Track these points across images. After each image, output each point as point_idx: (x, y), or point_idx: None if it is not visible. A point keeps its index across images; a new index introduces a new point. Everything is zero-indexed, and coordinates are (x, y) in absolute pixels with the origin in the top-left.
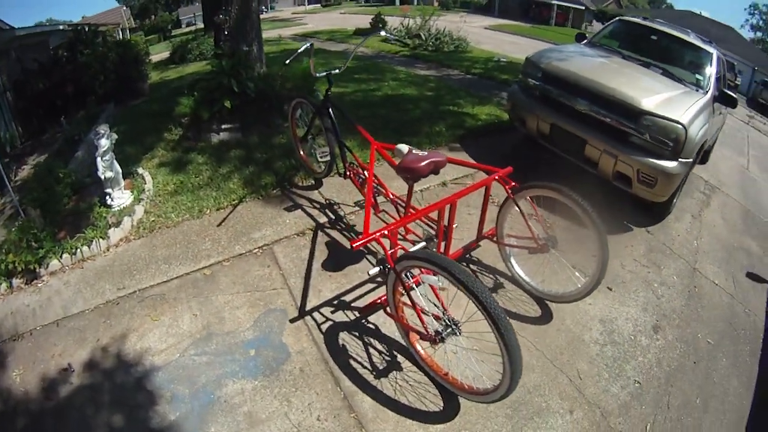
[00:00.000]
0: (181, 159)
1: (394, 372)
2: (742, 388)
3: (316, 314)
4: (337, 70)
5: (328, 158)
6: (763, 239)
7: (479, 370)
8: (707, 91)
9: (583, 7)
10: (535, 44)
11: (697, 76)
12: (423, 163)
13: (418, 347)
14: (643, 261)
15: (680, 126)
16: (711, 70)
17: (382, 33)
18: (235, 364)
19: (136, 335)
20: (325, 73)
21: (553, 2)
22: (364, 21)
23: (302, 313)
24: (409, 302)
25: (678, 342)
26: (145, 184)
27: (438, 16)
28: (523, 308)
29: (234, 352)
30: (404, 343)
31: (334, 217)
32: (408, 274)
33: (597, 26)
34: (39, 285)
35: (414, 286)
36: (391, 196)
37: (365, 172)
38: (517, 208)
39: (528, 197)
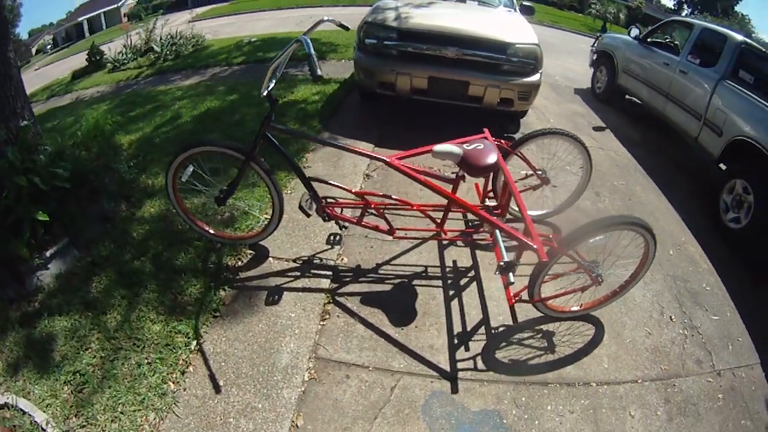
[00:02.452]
0: (34, 339)
1: (555, 339)
2: (655, 192)
3: (460, 365)
4: (272, 83)
5: (314, 206)
6: (578, 100)
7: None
8: (515, 8)
9: None
10: (249, 18)
11: None
12: (496, 155)
13: (557, 306)
14: (542, 155)
15: (536, 46)
16: None
17: (325, 18)
18: None
19: None
20: (265, 92)
21: None
22: (75, 63)
23: (448, 376)
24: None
25: (611, 194)
26: (31, 414)
27: (164, 20)
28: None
29: None
30: (539, 314)
31: (330, 272)
32: None
33: None
34: None
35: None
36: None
37: (362, 201)
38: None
39: (520, 150)
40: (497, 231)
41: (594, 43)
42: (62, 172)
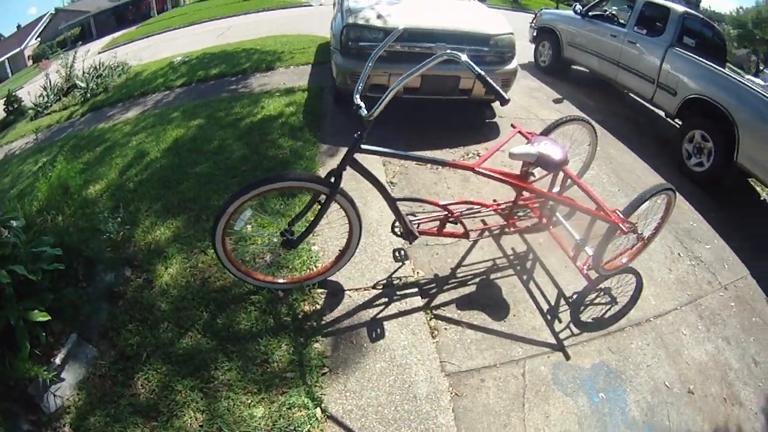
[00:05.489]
0: None
1: (613, 292)
2: (627, 153)
3: (561, 335)
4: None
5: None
6: (528, 75)
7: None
8: None
9: None
10: (164, 38)
11: None
12: (562, 149)
13: (611, 265)
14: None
15: (512, 35)
16: None
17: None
18: None
19: None
20: (359, 104)
21: None
22: None
23: (558, 348)
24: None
25: (596, 160)
26: None
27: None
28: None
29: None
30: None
31: (416, 288)
32: None
33: None
34: None
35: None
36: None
37: (446, 210)
38: None
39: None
40: (558, 213)
41: (533, 21)
42: (49, 251)
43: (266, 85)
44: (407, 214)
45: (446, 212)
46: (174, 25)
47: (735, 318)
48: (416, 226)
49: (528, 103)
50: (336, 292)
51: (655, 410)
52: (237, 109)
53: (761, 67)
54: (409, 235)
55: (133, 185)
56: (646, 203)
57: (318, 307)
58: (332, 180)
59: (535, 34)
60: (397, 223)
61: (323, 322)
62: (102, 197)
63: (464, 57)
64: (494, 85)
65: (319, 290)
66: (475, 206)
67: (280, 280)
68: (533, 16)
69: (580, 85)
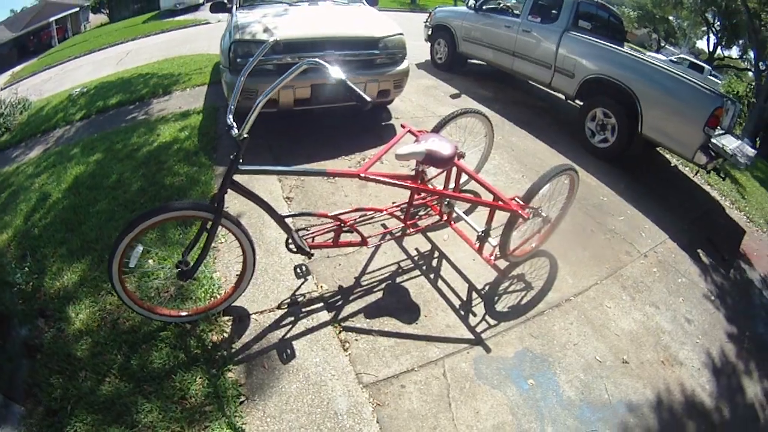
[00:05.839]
0: None
1: (527, 278)
2: (529, 138)
3: (478, 329)
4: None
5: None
6: (424, 74)
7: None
8: (363, 1)
9: (78, 8)
10: (65, 68)
11: None
12: (451, 144)
13: (520, 251)
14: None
15: (401, 35)
16: None
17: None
18: None
19: None
20: (245, 134)
21: (51, 19)
22: None
23: (476, 342)
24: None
25: (497, 150)
26: None
27: None
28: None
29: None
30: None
31: (321, 303)
32: None
33: (96, 21)
34: None
35: None
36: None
37: (337, 221)
38: None
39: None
40: (456, 208)
41: (427, 20)
42: None
43: (163, 111)
44: (299, 229)
45: (338, 222)
46: (75, 53)
47: (660, 282)
48: (310, 240)
49: (425, 102)
50: (242, 318)
51: (591, 386)
52: (134, 139)
53: (662, 44)
54: (301, 250)
55: (38, 231)
56: (547, 186)
57: (226, 335)
58: (215, 205)
59: (430, 32)
60: (290, 240)
61: (233, 350)
62: (10, 247)
63: (326, 64)
64: (355, 89)
65: (225, 317)
66: (369, 212)
67: (184, 313)
68: (428, 15)
69: (477, 78)
